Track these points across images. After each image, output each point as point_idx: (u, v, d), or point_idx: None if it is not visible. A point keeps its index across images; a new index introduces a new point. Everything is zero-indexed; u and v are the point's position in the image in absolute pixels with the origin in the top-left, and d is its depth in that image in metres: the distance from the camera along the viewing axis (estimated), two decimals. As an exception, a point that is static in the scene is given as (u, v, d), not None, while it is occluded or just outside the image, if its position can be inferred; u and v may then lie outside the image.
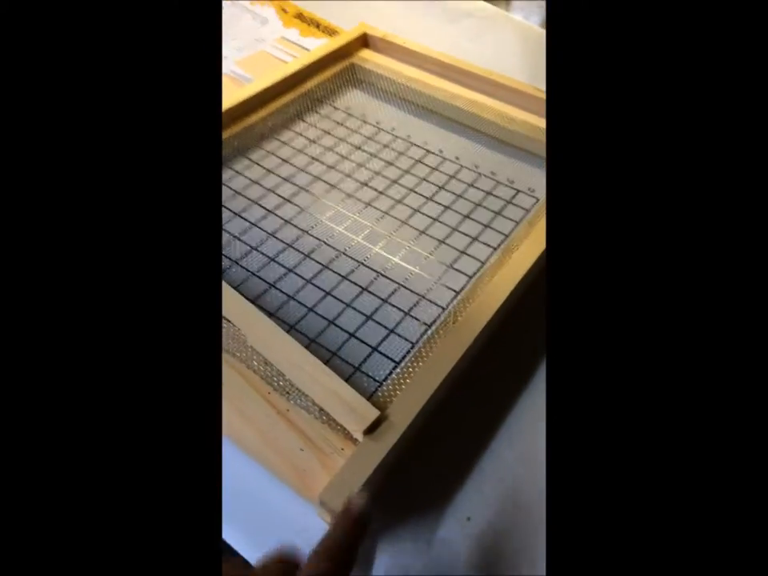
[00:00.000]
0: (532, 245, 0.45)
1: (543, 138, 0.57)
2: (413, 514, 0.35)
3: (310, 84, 0.64)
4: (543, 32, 0.80)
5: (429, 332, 0.42)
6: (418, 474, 0.36)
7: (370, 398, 0.38)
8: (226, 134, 0.56)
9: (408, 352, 0.41)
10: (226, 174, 0.55)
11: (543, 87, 0.60)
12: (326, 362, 0.40)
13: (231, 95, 0.58)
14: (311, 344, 0.42)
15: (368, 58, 0.68)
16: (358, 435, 0.33)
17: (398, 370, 0.40)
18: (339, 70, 0.66)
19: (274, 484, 0.34)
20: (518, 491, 0.37)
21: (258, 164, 0.56)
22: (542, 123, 0.59)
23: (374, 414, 0.33)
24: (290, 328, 0.43)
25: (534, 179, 0.56)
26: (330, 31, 0.79)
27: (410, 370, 0.38)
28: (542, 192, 0.54)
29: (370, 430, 0.33)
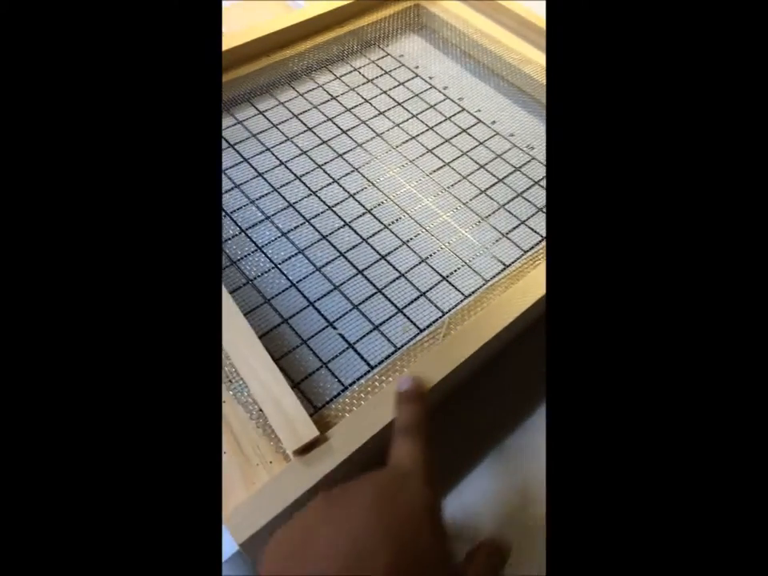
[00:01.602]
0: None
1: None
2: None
3: (363, 21, 0.56)
4: None
5: (418, 338, 0.36)
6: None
7: (325, 406, 0.32)
8: (255, 67, 0.50)
9: (387, 357, 0.35)
10: (244, 113, 0.49)
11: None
12: (293, 350, 0.35)
13: (269, 23, 0.52)
14: (282, 324, 0.37)
15: (438, 1, 0.59)
16: (290, 453, 0.28)
17: (371, 375, 0.34)
18: (402, 9, 0.58)
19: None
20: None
21: (284, 104, 0.50)
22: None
23: (310, 433, 0.28)
24: (265, 301, 0.38)
25: (595, 175, 0.47)
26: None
27: (381, 382, 0.33)
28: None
29: (303, 450, 0.28)
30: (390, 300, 0.38)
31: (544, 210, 0.44)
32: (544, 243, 0.41)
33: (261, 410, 0.30)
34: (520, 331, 0.37)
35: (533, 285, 0.36)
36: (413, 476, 0.22)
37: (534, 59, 0.53)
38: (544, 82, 0.51)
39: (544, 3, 0.56)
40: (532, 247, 0.41)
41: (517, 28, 0.55)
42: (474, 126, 0.50)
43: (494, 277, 0.40)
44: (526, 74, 0.52)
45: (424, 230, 0.42)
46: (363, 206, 0.43)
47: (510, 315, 0.34)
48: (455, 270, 0.40)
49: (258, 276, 0.39)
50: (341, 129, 0.49)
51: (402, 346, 0.36)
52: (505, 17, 0.55)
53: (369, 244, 0.41)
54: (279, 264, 0.40)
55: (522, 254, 0.41)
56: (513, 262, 0.40)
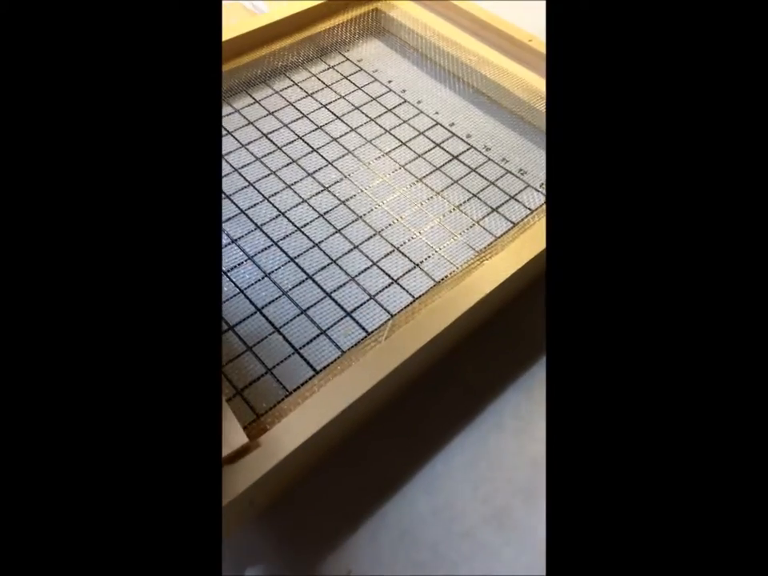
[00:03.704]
0: (509, 257, 0.37)
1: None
2: (287, 558, 0.30)
3: (323, 26, 0.56)
4: None
5: (363, 342, 0.36)
6: (299, 515, 0.31)
7: (268, 412, 0.32)
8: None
9: (333, 361, 0.35)
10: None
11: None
12: (237, 357, 0.35)
13: (225, 30, 0.52)
14: (228, 332, 0.36)
15: (397, 4, 0.59)
16: (221, 460, 0.28)
17: (315, 380, 0.34)
18: (361, 13, 0.58)
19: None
20: (413, 544, 0.31)
21: (239, 112, 0.50)
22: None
23: (239, 440, 0.27)
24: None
25: (551, 174, 0.47)
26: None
27: (320, 386, 0.32)
28: (555, 190, 0.45)
29: (233, 458, 0.27)
30: (338, 304, 0.38)
31: (498, 210, 0.44)
32: (495, 244, 0.41)
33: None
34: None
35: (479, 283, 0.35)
36: None
37: (491, 60, 0.53)
38: (500, 82, 0.51)
39: (500, 3, 0.56)
40: (484, 248, 0.41)
41: (474, 29, 0.55)
42: (431, 128, 0.50)
43: (444, 278, 0.39)
44: (482, 76, 0.52)
45: (377, 234, 0.42)
46: (316, 211, 0.43)
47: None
48: (407, 272, 0.40)
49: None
50: (297, 135, 0.49)
51: (348, 350, 0.35)
52: (462, 18, 0.55)
53: (320, 248, 0.41)
54: (228, 272, 0.39)
55: (474, 255, 0.41)
56: (463, 265, 0.40)
